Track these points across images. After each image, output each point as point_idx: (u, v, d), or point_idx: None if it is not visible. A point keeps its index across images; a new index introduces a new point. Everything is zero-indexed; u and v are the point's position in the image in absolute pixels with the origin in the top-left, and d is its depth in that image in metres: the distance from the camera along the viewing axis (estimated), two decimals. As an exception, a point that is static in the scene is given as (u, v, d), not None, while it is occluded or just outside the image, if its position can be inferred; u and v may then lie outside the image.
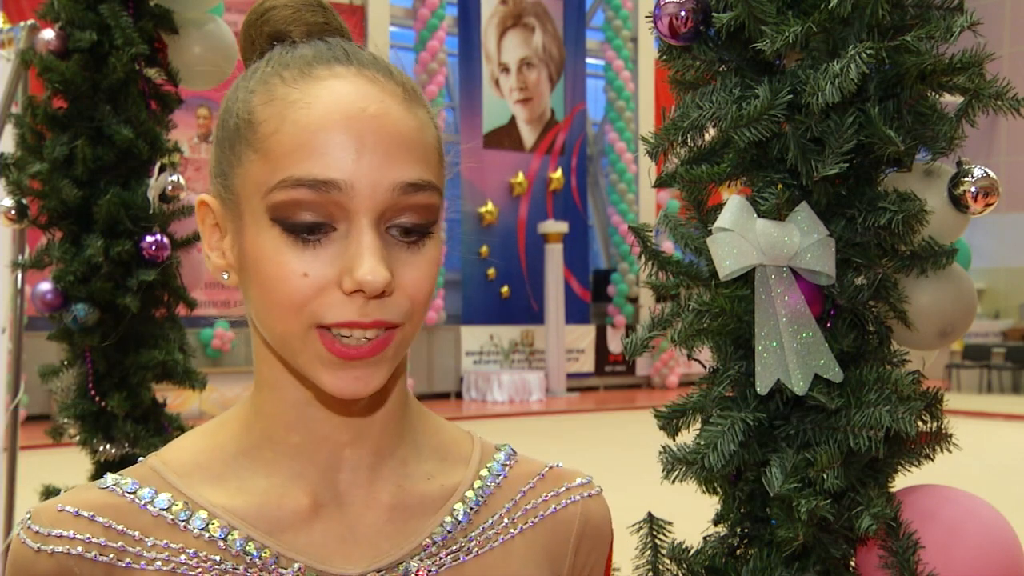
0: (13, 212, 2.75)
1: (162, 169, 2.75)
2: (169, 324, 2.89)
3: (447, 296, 14.18)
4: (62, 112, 2.74)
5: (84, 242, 2.69)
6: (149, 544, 0.75)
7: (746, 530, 1.68)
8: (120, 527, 0.75)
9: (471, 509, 0.82)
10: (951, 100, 1.55)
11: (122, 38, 2.66)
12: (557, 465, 0.89)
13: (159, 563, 0.75)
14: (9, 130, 2.89)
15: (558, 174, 15.42)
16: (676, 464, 1.57)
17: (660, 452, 1.60)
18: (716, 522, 1.72)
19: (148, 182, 2.73)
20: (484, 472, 0.85)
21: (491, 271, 14.80)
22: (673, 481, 1.59)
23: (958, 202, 1.57)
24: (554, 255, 14.51)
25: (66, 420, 2.82)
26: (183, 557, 0.75)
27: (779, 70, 1.55)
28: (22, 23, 2.95)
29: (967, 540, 1.56)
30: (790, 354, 1.49)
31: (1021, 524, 1.74)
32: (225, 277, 0.77)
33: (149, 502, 0.76)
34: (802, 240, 1.48)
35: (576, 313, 15.51)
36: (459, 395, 14.44)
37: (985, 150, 17.60)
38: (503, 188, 14.97)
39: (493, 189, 14.85)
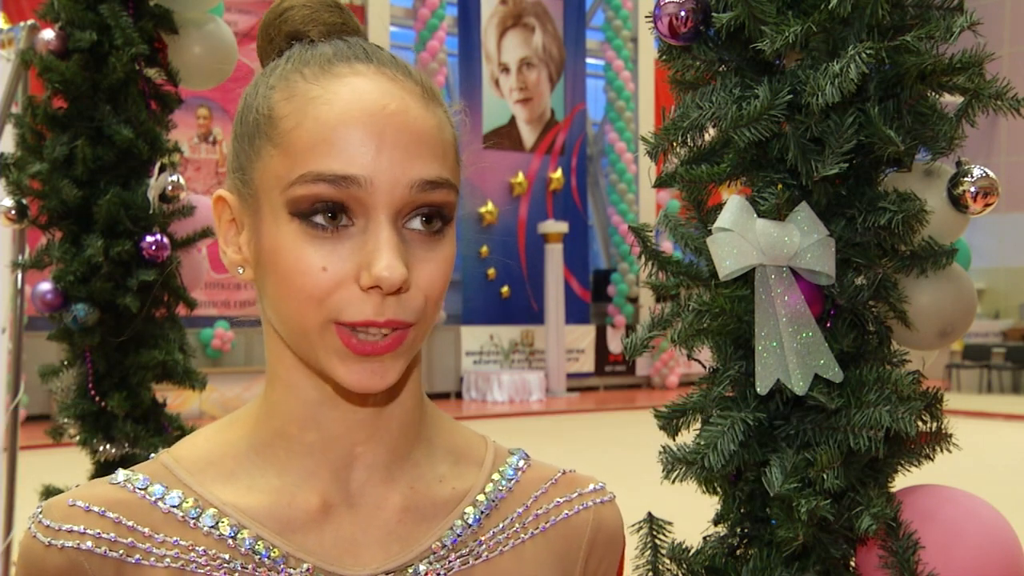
0: (13, 212, 2.75)
1: (162, 169, 2.75)
2: (169, 324, 2.89)
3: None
4: (62, 112, 2.74)
5: (84, 242, 2.69)
6: (159, 541, 0.75)
7: (746, 530, 1.68)
8: (130, 523, 0.75)
9: (482, 513, 0.82)
10: (951, 100, 1.55)
11: (122, 38, 2.66)
12: (570, 470, 0.89)
13: (168, 560, 0.75)
14: (9, 130, 2.89)
15: (558, 174, 15.41)
16: (676, 464, 1.57)
17: (660, 452, 1.59)
18: (716, 522, 1.72)
19: (148, 182, 2.73)
20: (496, 476, 0.85)
21: (491, 271, 14.79)
22: (673, 481, 1.59)
23: (958, 202, 1.57)
24: (554, 255, 14.51)
25: (66, 420, 2.82)
26: (192, 555, 0.75)
27: (779, 70, 1.55)
28: (22, 23, 2.94)
29: (967, 540, 1.56)
30: (790, 354, 1.49)
31: (1021, 524, 1.74)
32: (241, 272, 0.77)
33: (160, 499, 0.76)
34: (802, 240, 1.48)
35: (576, 313, 15.51)
36: (459, 395, 14.43)
37: (985, 150, 17.60)
38: (503, 188, 14.96)
39: (493, 189, 14.85)
